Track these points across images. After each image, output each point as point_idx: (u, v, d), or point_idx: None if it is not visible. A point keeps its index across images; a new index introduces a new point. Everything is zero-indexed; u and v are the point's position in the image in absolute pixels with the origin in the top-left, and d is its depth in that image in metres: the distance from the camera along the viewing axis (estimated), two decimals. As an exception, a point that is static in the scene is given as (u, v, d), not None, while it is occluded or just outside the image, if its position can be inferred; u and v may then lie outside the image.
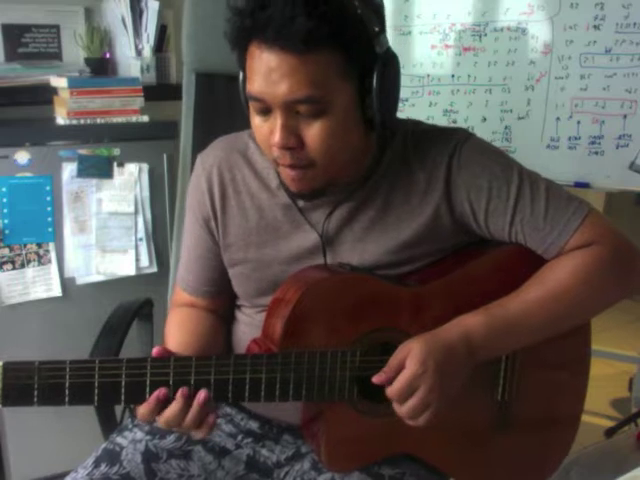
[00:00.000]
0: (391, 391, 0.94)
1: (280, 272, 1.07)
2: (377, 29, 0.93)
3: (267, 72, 0.89)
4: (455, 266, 1.06)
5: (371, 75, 0.93)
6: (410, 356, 0.94)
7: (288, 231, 1.08)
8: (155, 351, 0.93)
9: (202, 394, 0.91)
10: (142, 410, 0.91)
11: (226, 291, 1.17)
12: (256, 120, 0.97)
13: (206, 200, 1.11)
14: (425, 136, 1.07)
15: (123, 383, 0.89)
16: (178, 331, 1.11)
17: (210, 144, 1.16)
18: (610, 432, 1.97)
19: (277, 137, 0.93)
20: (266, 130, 0.95)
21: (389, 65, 0.95)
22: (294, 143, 0.93)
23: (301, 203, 1.07)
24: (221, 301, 1.18)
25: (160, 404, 0.90)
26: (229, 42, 0.95)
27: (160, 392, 0.90)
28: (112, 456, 1.08)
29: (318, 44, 0.87)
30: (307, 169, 0.96)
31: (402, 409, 0.95)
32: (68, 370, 0.87)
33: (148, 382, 0.90)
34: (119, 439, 1.12)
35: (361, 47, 0.92)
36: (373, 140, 1.05)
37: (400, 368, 0.95)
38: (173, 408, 0.90)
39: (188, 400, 0.90)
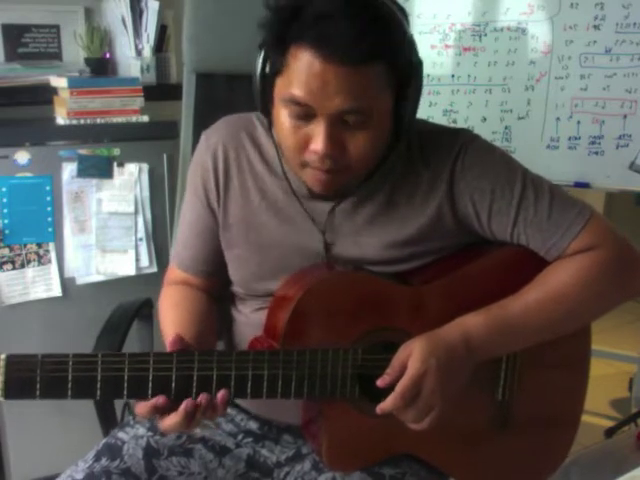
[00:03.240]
0: (396, 394, 0.94)
1: (279, 257, 1.07)
2: (414, 38, 0.94)
3: (321, 84, 0.88)
4: (457, 266, 1.06)
5: (409, 84, 0.94)
6: (412, 356, 0.95)
7: (289, 218, 1.07)
8: (171, 340, 0.93)
9: (224, 394, 0.90)
10: (142, 408, 0.90)
11: (220, 273, 1.15)
12: (289, 121, 0.94)
13: (210, 178, 1.10)
14: (430, 136, 1.07)
15: (125, 377, 0.89)
16: (174, 309, 1.11)
17: (215, 122, 1.14)
18: (610, 432, 1.97)
19: (321, 145, 0.92)
20: (302, 134, 0.94)
21: (421, 73, 0.96)
22: (338, 151, 0.93)
23: (303, 193, 1.06)
24: (214, 282, 1.17)
25: (159, 411, 0.90)
26: (268, 34, 0.93)
27: (158, 400, 0.89)
28: (113, 450, 1.07)
29: (376, 59, 0.88)
30: (340, 174, 0.96)
31: (406, 414, 0.95)
32: (71, 364, 0.87)
33: (151, 377, 0.90)
34: (121, 434, 1.11)
35: (405, 58, 0.93)
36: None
37: (403, 369, 0.95)
38: (174, 419, 0.90)
39: (190, 415, 0.90)
